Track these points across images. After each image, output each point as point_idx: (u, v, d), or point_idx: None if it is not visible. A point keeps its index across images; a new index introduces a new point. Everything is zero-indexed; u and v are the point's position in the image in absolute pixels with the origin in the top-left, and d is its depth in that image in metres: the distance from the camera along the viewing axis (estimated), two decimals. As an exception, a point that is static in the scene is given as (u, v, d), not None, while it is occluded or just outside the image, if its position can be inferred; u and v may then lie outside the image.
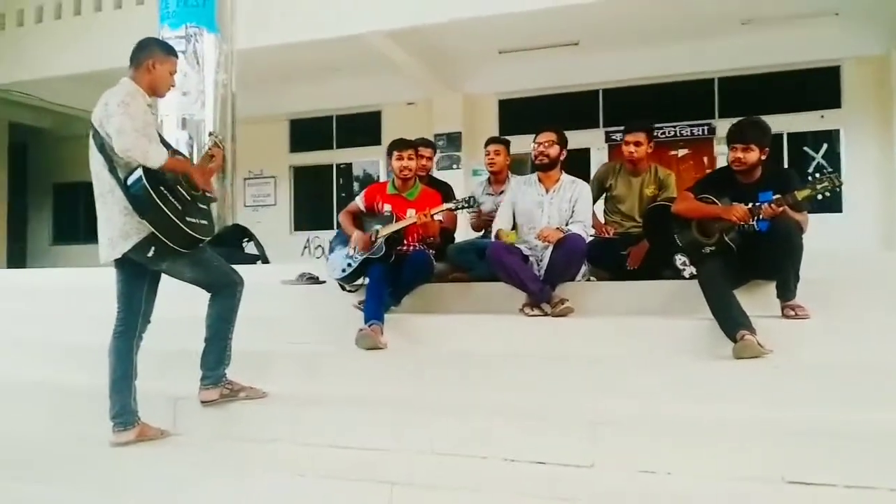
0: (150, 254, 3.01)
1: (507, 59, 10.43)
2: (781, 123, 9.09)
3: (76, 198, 13.50)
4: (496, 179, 5.05)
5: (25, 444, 3.32)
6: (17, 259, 13.57)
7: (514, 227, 4.23)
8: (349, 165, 12.45)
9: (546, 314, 3.81)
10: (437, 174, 5.58)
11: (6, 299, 5.37)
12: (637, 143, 4.58)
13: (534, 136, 4.26)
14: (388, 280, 4.01)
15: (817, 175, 3.42)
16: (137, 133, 2.89)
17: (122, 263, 3.12)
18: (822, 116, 9.70)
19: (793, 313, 3.41)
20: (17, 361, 4.21)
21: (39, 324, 4.79)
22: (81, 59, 9.52)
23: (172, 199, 2.96)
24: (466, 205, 4.27)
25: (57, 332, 4.60)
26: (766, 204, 3.39)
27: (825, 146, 9.76)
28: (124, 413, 3.12)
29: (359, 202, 4.40)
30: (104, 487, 2.96)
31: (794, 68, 9.64)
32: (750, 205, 3.43)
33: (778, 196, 3.39)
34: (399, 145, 4.34)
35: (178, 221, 2.93)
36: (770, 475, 2.47)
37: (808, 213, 3.60)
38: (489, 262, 3.97)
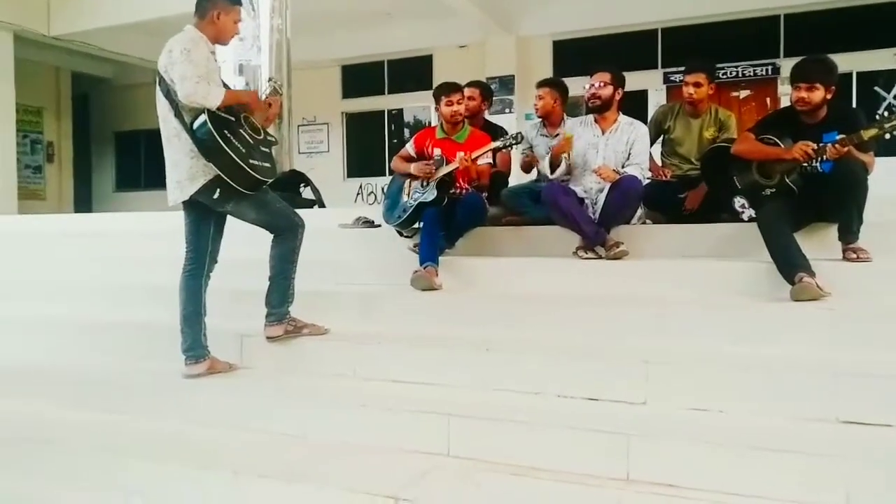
0: (216, 195, 3.12)
1: (562, -1, 10.18)
2: (851, 62, 8.70)
3: (137, 146, 13.92)
4: (549, 122, 4.99)
5: (103, 377, 3.54)
6: (84, 204, 14.14)
7: (569, 172, 4.19)
8: (400, 111, 12.44)
9: (600, 257, 3.81)
10: (489, 118, 5.53)
11: (79, 242, 5.65)
12: (697, 84, 4.46)
13: (589, 77, 4.19)
14: (442, 223, 4.05)
15: (885, 114, 3.29)
16: (200, 79, 2.98)
17: (190, 205, 3.25)
18: (896, 54, 9.24)
19: (854, 256, 3.33)
20: (93, 300, 4.46)
21: (110, 265, 5.03)
22: (141, 7, 9.67)
23: (236, 143, 3.06)
24: (514, 141, 4.24)
25: (126, 271, 4.84)
26: (830, 144, 3.30)
27: (898, 85, 9.31)
28: (196, 347, 3.29)
29: (409, 148, 4.43)
30: (178, 415, 3.16)
31: (866, 2, 9.13)
32: (813, 145, 3.34)
33: (843, 136, 3.29)
34: (445, 89, 4.28)
35: (242, 164, 3.03)
36: (824, 415, 2.49)
37: (876, 155, 3.50)
38: (544, 203, 3.98)
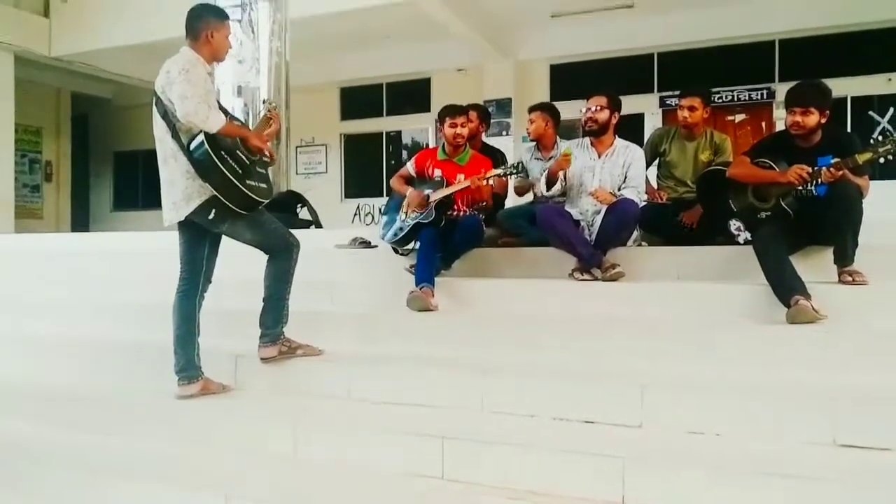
0: (212, 216, 3.12)
1: (560, 23, 10.26)
2: (845, 87, 8.79)
3: (135, 166, 13.93)
4: (542, 145, 5.02)
5: (95, 396, 3.51)
6: (81, 223, 14.14)
7: (564, 193, 4.21)
8: (398, 133, 12.50)
9: (596, 279, 3.81)
10: (486, 141, 5.56)
11: (74, 261, 5.64)
12: (692, 108, 4.50)
13: (585, 101, 4.21)
14: (439, 244, 4.06)
15: (879, 138, 3.31)
16: (199, 99, 2.99)
17: (185, 226, 3.24)
18: (890, 79, 9.30)
19: (850, 279, 3.33)
20: (86, 319, 4.43)
21: (106, 284, 5.02)
22: (142, 29, 9.74)
23: (232, 163, 3.07)
24: (515, 170, 4.28)
25: (121, 291, 4.82)
26: (824, 168, 3.31)
27: (892, 110, 9.37)
28: (189, 368, 3.27)
29: (409, 167, 4.44)
30: (170, 436, 3.13)
31: (860, 28, 9.23)
32: (808, 169, 3.36)
33: (837, 160, 3.30)
34: (451, 111, 4.32)
35: (238, 184, 3.04)
36: (821, 438, 2.47)
37: (870, 179, 3.51)
38: (540, 225, 3.99)
